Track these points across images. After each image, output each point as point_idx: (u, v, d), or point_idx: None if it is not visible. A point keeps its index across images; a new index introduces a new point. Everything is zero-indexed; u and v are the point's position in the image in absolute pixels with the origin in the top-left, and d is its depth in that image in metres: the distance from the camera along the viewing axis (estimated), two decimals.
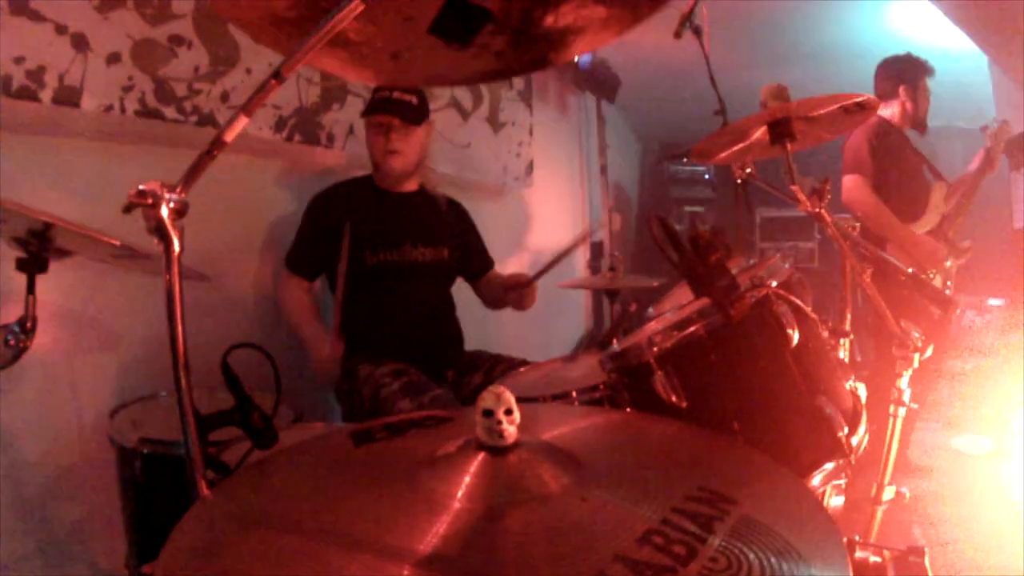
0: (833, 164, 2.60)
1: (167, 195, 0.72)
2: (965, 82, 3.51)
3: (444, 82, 2.32)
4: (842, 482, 1.15)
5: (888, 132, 2.70)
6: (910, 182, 2.72)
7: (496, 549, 0.55)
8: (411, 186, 2.12)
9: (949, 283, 2.74)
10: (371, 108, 2.01)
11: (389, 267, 2.00)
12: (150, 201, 0.71)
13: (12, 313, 1.09)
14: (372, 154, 2.04)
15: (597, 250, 4.38)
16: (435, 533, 0.56)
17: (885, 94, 2.76)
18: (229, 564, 0.55)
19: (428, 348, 2.01)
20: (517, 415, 0.66)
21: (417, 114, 2.01)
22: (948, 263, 2.71)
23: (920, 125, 2.80)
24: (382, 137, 1.98)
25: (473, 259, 2.29)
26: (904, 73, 2.74)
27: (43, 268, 1.11)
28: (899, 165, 2.69)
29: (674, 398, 1.07)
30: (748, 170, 1.66)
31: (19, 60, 1.47)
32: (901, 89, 2.72)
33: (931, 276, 2.64)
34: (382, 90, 2.03)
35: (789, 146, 1.34)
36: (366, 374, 1.85)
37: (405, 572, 0.52)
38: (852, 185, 2.64)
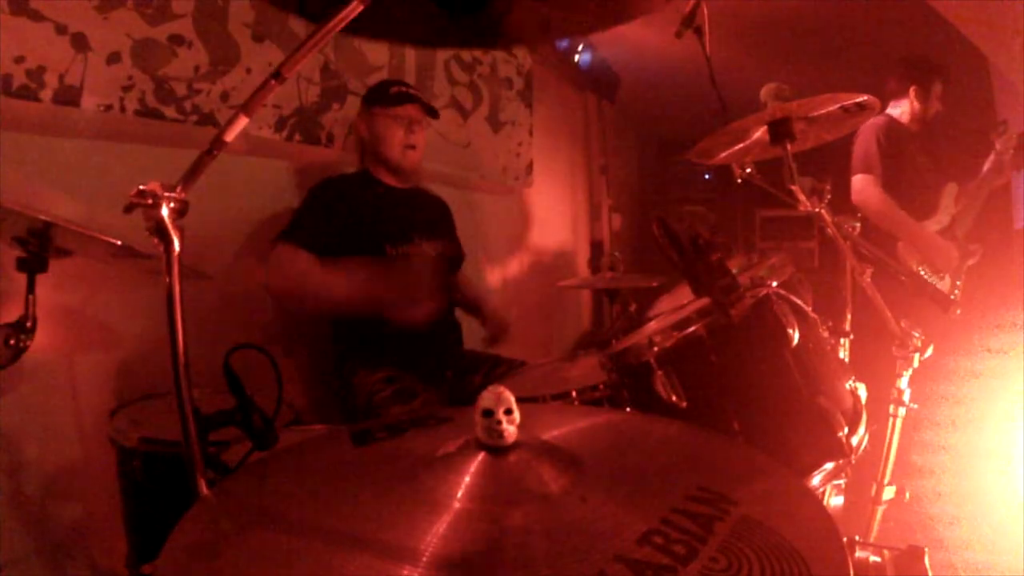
0: (833, 164, 2.58)
1: (167, 195, 0.72)
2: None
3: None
4: (842, 482, 1.15)
5: (896, 131, 2.68)
6: (919, 182, 2.69)
7: (496, 549, 0.55)
8: (407, 181, 2.10)
9: (959, 283, 2.72)
10: (395, 98, 1.93)
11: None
12: (150, 201, 0.71)
13: (12, 313, 1.09)
14: (385, 148, 1.96)
15: (597, 250, 4.37)
16: (435, 533, 0.56)
17: (896, 92, 2.74)
18: (229, 564, 0.55)
19: (431, 344, 2.01)
20: (517, 415, 0.66)
21: (433, 108, 1.99)
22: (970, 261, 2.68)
23: (927, 127, 2.77)
24: (403, 130, 1.93)
25: (457, 252, 2.27)
26: (918, 74, 2.72)
27: (43, 268, 1.11)
28: (908, 165, 2.66)
29: (674, 398, 1.07)
30: (748, 170, 1.66)
31: (19, 60, 1.46)
32: (912, 90, 2.70)
33: (942, 277, 2.62)
34: (394, 84, 2.00)
35: (789, 146, 1.34)
36: (361, 379, 1.86)
37: (404, 572, 0.52)
38: (862, 185, 2.62)
